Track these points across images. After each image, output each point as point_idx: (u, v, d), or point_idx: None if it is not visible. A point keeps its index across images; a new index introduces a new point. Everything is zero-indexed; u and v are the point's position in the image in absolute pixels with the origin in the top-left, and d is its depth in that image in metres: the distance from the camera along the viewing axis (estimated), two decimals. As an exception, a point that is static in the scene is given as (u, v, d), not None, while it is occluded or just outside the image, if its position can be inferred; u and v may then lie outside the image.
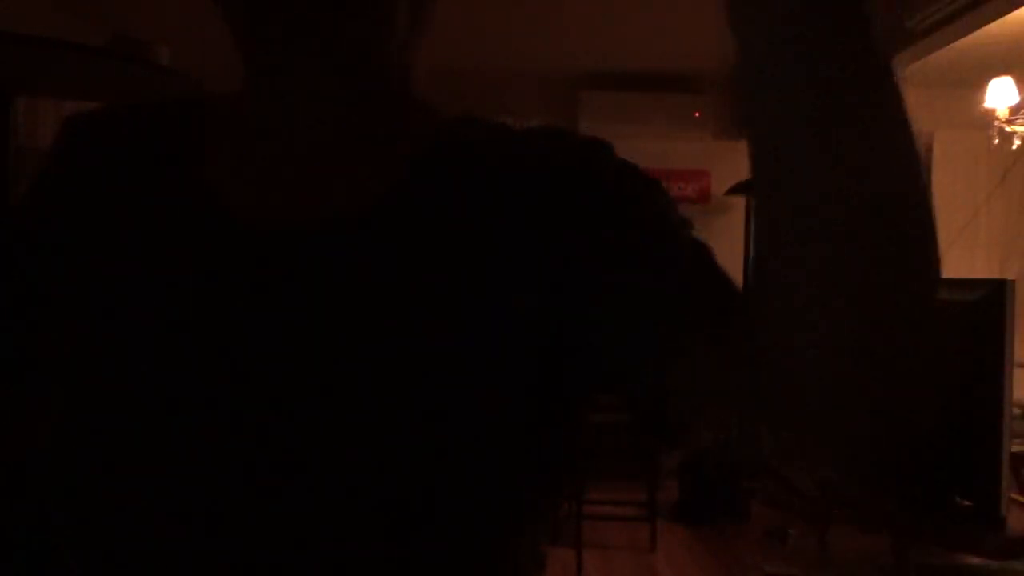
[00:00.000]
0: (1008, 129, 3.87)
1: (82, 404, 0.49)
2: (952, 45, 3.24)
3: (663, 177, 0.55)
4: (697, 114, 5.08)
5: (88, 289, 0.52)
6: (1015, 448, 1.83)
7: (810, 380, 0.39)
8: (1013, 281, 1.56)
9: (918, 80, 4.74)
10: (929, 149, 5.26)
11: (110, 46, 2.03)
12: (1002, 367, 1.53)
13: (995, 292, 1.55)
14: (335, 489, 0.46)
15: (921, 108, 5.22)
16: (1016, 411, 2.35)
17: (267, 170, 0.53)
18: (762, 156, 0.40)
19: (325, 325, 0.48)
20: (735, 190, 4.87)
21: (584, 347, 0.49)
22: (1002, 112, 3.84)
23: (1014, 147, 3.94)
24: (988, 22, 2.97)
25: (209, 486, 0.46)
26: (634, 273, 0.48)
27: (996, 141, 3.91)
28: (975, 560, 1.89)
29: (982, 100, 3.92)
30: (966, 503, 1.60)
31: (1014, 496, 1.71)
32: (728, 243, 4.84)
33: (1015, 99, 3.83)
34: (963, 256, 5.05)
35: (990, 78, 3.89)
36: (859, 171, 0.37)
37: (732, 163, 5.23)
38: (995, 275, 4.60)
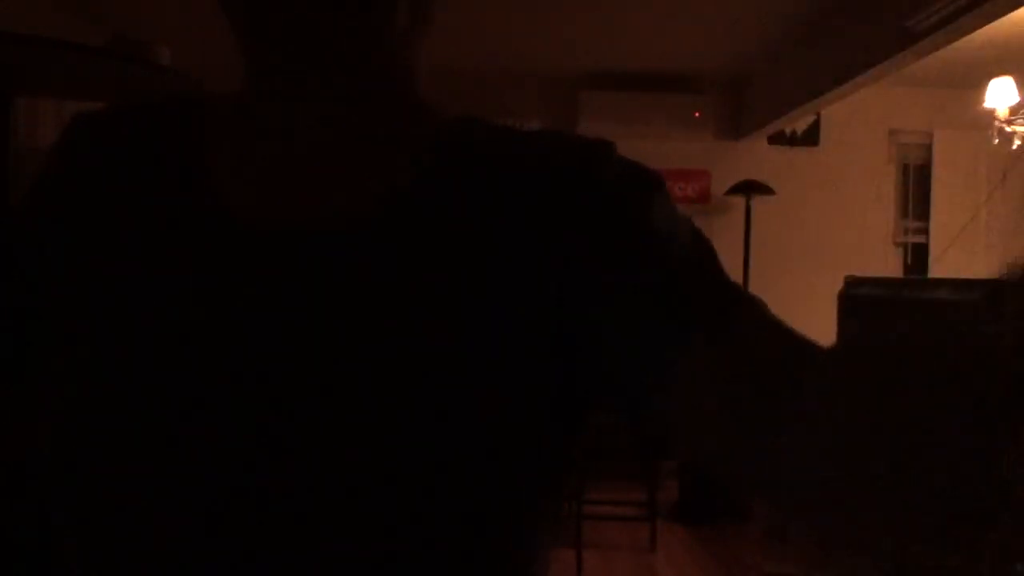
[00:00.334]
0: (1008, 129, 3.87)
1: (82, 404, 0.49)
2: (952, 45, 3.24)
3: (663, 177, 0.55)
4: (697, 114, 5.08)
5: (88, 289, 0.52)
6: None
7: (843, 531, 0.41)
8: (1013, 281, 1.56)
9: (918, 80, 4.75)
10: (929, 149, 5.27)
11: (110, 46, 2.03)
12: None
13: (995, 292, 1.55)
14: (335, 489, 0.46)
15: (921, 108, 5.23)
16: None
17: (268, 170, 0.53)
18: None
19: (326, 325, 0.48)
20: (735, 190, 4.87)
21: (585, 347, 0.49)
22: (1002, 112, 3.84)
23: (1014, 147, 3.94)
24: (988, 22, 2.96)
25: (209, 486, 0.46)
26: (634, 273, 0.48)
27: (996, 141, 3.91)
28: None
29: (982, 100, 3.92)
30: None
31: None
32: (728, 243, 4.86)
33: (1015, 99, 3.83)
34: (963, 256, 5.05)
35: (990, 78, 3.89)
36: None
37: (732, 163, 5.24)
38: (995, 275, 4.59)
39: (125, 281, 0.51)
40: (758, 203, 4.97)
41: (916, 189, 5.36)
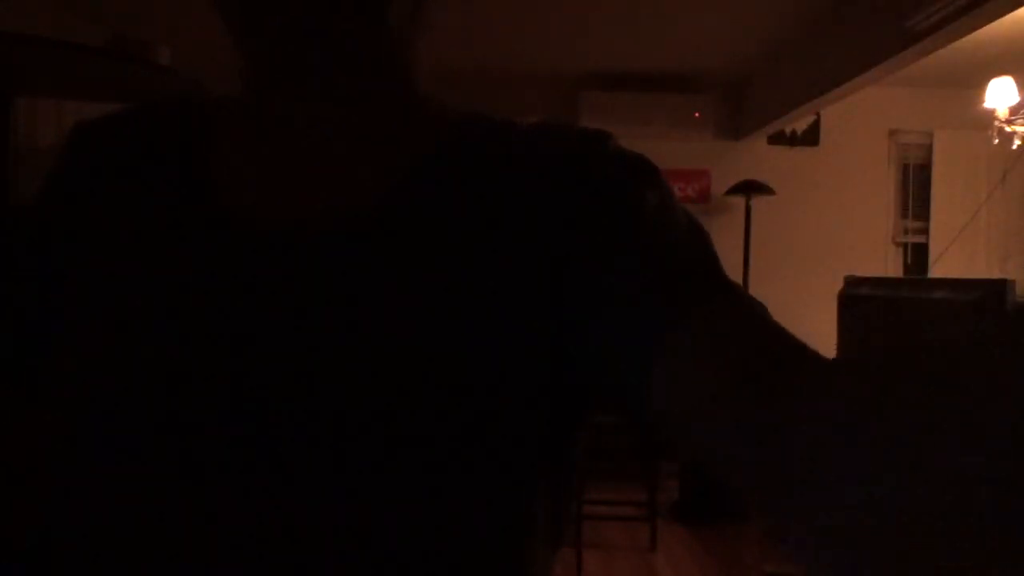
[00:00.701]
0: (1008, 129, 3.87)
1: (83, 404, 0.49)
2: (952, 45, 3.24)
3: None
4: (697, 114, 5.08)
5: (89, 289, 0.52)
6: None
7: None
8: (1013, 281, 1.56)
9: (918, 80, 4.75)
10: (929, 149, 5.27)
11: (110, 46, 2.03)
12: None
13: (995, 292, 1.56)
14: (336, 490, 0.46)
15: (921, 108, 5.24)
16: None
17: (268, 170, 0.53)
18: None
19: (326, 325, 0.48)
20: (735, 190, 4.87)
21: (584, 345, 0.49)
22: (1002, 112, 3.84)
23: (1014, 147, 3.94)
24: (988, 22, 2.96)
25: (209, 487, 0.46)
26: (631, 269, 0.48)
27: (996, 141, 3.91)
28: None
29: (982, 100, 3.92)
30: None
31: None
32: (728, 243, 4.87)
33: (1015, 99, 3.83)
34: (963, 256, 5.05)
35: (990, 78, 3.89)
36: None
37: (732, 163, 5.24)
38: (995, 275, 4.60)
39: (125, 281, 0.51)
40: (758, 203, 4.97)
41: (916, 189, 5.36)
